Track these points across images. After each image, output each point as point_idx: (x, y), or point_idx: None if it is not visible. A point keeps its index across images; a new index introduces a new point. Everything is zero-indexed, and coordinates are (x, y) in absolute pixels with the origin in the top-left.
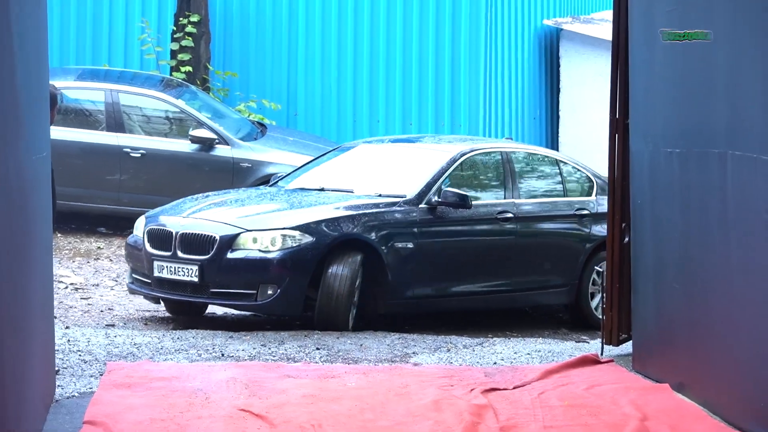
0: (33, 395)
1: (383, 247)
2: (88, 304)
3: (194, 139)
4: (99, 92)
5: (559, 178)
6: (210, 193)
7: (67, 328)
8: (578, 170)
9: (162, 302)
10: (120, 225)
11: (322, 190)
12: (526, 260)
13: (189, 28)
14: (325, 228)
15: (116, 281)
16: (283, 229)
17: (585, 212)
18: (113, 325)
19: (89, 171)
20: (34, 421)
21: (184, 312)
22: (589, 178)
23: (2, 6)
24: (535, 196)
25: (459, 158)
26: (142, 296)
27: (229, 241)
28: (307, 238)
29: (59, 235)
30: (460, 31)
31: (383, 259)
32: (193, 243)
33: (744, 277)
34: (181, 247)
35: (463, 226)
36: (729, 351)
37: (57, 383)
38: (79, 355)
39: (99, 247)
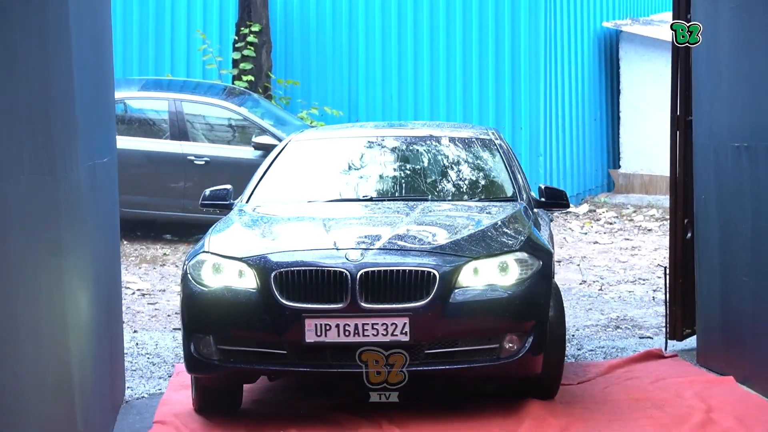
0: (102, 397)
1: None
2: (155, 309)
3: (257, 146)
4: (162, 102)
5: None
6: (252, 214)
7: (135, 332)
8: None
9: (196, 391)
10: (185, 232)
11: (370, 200)
12: None
13: (250, 38)
14: (543, 247)
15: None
16: (512, 251)
17: None
18: (180, 329)
19: (154, 179)
20: (103, 422)
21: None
22: None
23: (63, 15)
24: None
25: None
26: (205, 375)
27: (452, 277)
28: (537, 263)
29: (125, 242)
30: (520, 34)
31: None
32: (392, 285)
33: None
34: (366, 295)
35: None
36: None
37: (126, 385)
38: (148, 358)
39: (165, 254)
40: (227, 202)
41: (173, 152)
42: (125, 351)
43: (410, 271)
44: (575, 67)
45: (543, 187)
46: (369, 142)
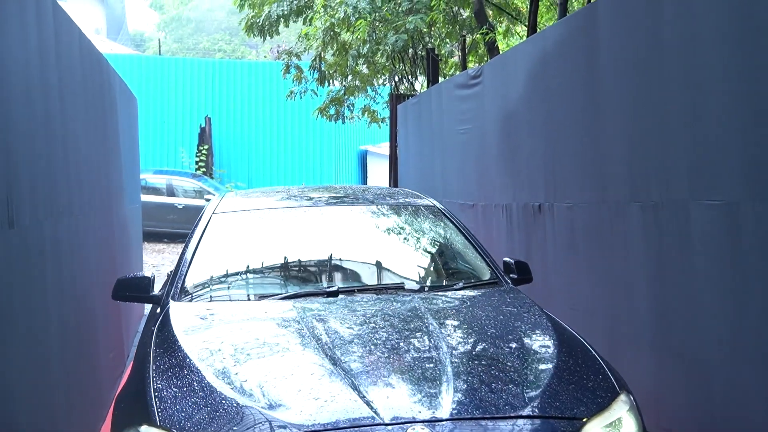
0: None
1: None
2: (158, 272)
3: (207, 200)
4: (163, 178)
5: None
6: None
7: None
8: None
9: None
10: (171, 238)
11: (336, 293)
12: None
13: (203, 150)
14: (615, 368)
15: (172, 263)
16: (616, 396)
17: None
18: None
19: (159, 214)
20: (135, 321)
21: None
22: None
23: (114, 134)
24: None
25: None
26: None
27: None
28: (630, 399)
29: (146, 243)
30: (332, 154)
31: None
32: None
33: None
34: None
35: None
36: None
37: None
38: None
39: (163, 248)
40: (148, 295)
41: (168, 203)
42: None
43: None
44: (349, 166)
45: (512, 261)
46: (305, 208)
